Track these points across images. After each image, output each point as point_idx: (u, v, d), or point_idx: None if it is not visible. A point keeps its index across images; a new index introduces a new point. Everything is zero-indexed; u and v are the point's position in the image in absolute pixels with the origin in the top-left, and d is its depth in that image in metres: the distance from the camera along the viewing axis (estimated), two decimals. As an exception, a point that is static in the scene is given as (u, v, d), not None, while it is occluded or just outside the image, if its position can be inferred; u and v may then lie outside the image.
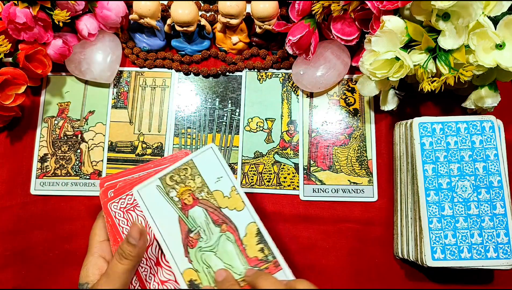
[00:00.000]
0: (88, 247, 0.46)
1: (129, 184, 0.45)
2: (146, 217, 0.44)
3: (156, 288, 0.44)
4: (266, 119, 0.59)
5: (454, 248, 0.48)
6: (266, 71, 0.61)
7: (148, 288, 0.44)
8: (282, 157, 0.58)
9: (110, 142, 0.59)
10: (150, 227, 0.44)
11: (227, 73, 0.61)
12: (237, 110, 0.60)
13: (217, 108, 0.60)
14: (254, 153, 0.58)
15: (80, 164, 0.58)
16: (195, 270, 0.43)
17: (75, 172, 0.58)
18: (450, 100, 0.59)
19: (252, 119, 0.59)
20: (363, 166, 0.58)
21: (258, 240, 0.44)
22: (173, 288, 0.44)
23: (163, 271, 0.44)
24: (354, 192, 0.57)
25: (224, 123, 0.59)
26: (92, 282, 0.43)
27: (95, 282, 0.43)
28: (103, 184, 0.46)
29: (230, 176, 0.45)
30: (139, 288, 0.44)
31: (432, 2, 0.43)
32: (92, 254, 0.45)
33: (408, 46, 0.48)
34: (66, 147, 0.59)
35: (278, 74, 0.61)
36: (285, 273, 0.43)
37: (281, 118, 0.59)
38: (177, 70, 0.61)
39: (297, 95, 0.60)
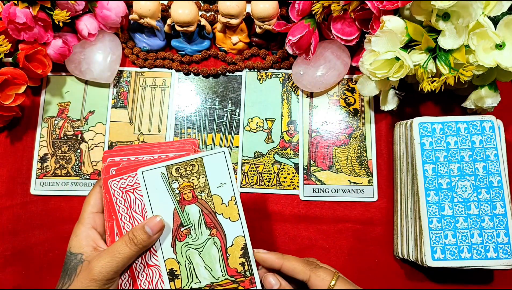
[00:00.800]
0: (80, 216, 0.45)
1: (133, 166, 0.45)
2: (143, 199, 0.44)
3: (142, 270, 0.45)
4: (266, 119, 0.59)
5: (454, 248, 0.48)
6: (266, 71, 0.61)
7: (133, 268, 0.45)
8: (282, 157, 0.58)
9: (110, 142, 0.59)
10: (146, 211, 0.45)
11: (227, 73, 0.61)
12: (237, 110, 0.60)
13: (217, 108, 0.60)
14: (254, 153, 0.58)
15: (80, 164, 0.58)
16: (177, 261, 0.44)
17: (75, 172, 0.58)
18: (450, 100, 0.59)
19: (252, 119, 0.59)
20: (363, 166, 0.58)
21: (242, 254, 0.45)
22: (158, 273, 0.45)
23: (151, 256, 0.45)
24: (354, 192, 0.57)
25: (224, 123, 0.59)
26: (86, 253, 0.43)
27: (89, 255, 0.42)
28: (106, 159, 0.46)
29: (233, 185, 0.45)
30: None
31: (432, 2, 0.43)
32: (84, 224, 0.44)
33: (408, 46, 0.48)
34: (66, 147, 0.59)
35: (278, 74, 0.61)
36: None
37: (281, 118, 0.59)
38: (177, 70, 0.61)
39: (297, 95, 0.60)
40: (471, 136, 0.50)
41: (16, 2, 0.50)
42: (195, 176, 0.45)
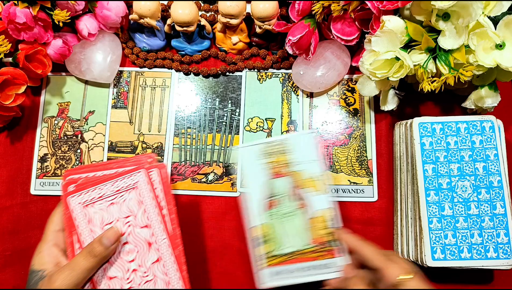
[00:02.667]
0: (43, 234, 0.46)
1: (91, 182, 0.46)
2: (243, 172, 0.51)
3: (103, 282, 0.46)
4: (266, 119, 0.59)
5: (454, 248, 0.48)
6: (266, 71, 0.61)
7: (95, 280, 0.45)
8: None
9: (110, 142, 0.59)
10: (105, 224, 0.46)
11: (227, 73, 0.61)
12: (237, 110, 0.60)
13: (217, 108, 0.60)
14: (254, 153, 0.58)
15: (80, 164, 0.58)
16: (263, 229, 0.49)
17: (75, 172, 0.58)
18: (450, 100, 0.59)
19: (252, 119, 0.59)
20: (363, 166, 0.58)
21: (328, 226, 0.49)
22: (120, 285, 0.46)
23: (111, 268, 0.46)
24: (354, 192, 0.57)
25: (224, 123, 0.59)
26: (47, 270, 0.43)
27: (50, 271, 0.43)
28: (66, 176, 0.47)
29: (321, 163, 0.50)
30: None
31: (432, 2, 0.43)
32: (46, 242, 0.45)
33: (408, 46, 0.48)
34: (66, 147, 0.59)
35: (278, 74, 0.61)
36: (343, 262, 0.48)
37: (281, 118, 0.59)
38: (177, 70, 0.61)
39: (297, 95, 0.60)
40: (471, 136, 0.50)
41: (16, 2, 0.50)
42: (287, 153, 0.50)
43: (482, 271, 0.55)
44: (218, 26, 0.59)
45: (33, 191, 0.57)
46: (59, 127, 0.59)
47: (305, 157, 0.50)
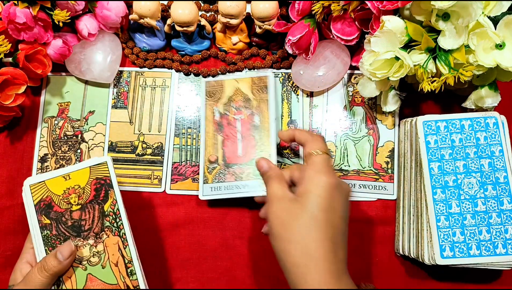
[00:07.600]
0: (22, 251, 0.48)
1: None
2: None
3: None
4: (266, 119, 0.59)
5: (463, 245, 0.48)
6: (266, 71, 0.61)
7: None
8: (282, 157, 0.58)
9: (110, 142, 0.59)
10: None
11: (227, 73, 0.61)
12: (237, 110, 0.60)
13: (217, 108, 0.60)
14: (254, 153, 0.58)
15: (80, 164, 0.58)
16: (335, 145, 0.57)
17: (75, 172, 0.58)
18: (451, 100, 0.59)
19: (252, 119, 0.59)
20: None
21: (388, 155, 0.56)
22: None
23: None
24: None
25: (224, 123, 0.59)
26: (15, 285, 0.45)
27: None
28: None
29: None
30: None
31: (432, 2, 0.43)
32: (21, 259, 0.47)
33: (408, 46, 0.48)
34: (66, 147, 0.59)
35: (278, 74, 0.61)
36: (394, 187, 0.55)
37: (281, 118, 0.59)
38: (177, 70, 0.61)
39: (297, 94, 0.60)
40: (475, 133, 0.50)
41: (16, 2, 0.50)
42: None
43: (489, 269, 0.54)
44: (218, 26, 0.59)
45: (33, 191, 0.57)
46: (59, 127, 0.59)
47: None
